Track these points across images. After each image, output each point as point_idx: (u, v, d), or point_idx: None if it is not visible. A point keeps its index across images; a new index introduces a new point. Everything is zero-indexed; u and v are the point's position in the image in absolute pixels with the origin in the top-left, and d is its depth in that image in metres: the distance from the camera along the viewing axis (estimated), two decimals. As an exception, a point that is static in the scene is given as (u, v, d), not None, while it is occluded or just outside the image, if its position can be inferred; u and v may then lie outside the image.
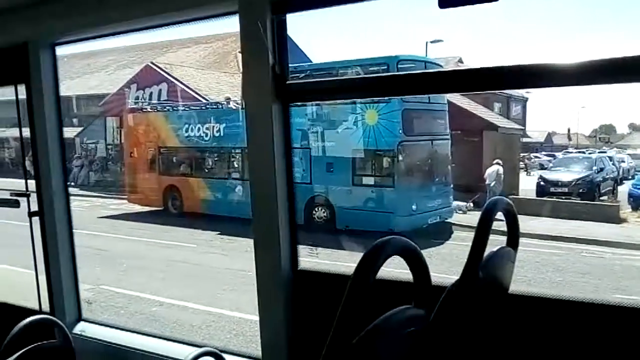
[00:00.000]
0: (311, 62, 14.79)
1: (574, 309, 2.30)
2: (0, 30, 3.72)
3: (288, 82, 2.79)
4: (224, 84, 18.80)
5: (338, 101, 12.96)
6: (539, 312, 2.36)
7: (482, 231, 1.67)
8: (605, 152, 17.56)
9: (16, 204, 4.20)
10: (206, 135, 15.50)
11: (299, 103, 3.67)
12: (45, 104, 3.71)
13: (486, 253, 1.69)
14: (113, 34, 3.57)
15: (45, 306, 4.09)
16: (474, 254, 1.63)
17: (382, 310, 1.40)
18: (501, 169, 13.85)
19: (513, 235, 1.94)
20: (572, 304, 2.31)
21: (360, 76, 3.34)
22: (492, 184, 13.55)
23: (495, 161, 13.94)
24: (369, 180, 13.03)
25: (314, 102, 11.71)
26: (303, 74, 10.47)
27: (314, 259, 9.85)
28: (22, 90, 3.91)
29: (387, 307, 1.44)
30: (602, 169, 15.46)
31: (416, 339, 1.44)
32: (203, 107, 16.72)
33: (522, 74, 2.36)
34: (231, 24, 2.92)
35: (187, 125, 15.87)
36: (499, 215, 1.80)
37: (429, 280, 1.53)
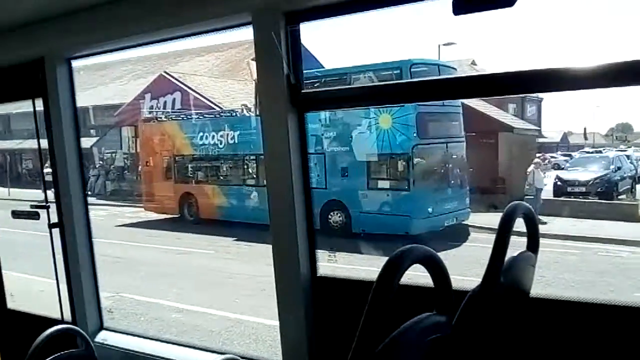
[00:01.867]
0: (323, 67, 14.81)
1: (596, 311, 2.29)
2: (17, 46, 3.78)
3: (303, 90, 2.81)
4: (237, 92, 18.88)
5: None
6: (561, 315, 2.35)
7: (503, 236, 1.67)
8: (624, 151, 17.35)
9: (36, 216, 4.26)
10: (220, 143, 15.56)
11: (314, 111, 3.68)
12: (63, 117, 3.77)
13: (507, 257, 1.70)
14: (128, 47, 3.61)
15: (67, 315, 4.14)
16: (495, 259, 1.63)
17: (403, 316, 1.41)
18: (540, 170, 13.75)
19: (533, 240, 1.95)
20: (594, 306, 2.30)
21: (375, 84, 3.35)
22: (532, 184, 13.41)
23: (535, 161, 13.86)
24: (384, 184, 12.99)
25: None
26: (315, 80, 10.49)
27: (332, 263, 9.86)
28: (39, 103, 3.97)
29: (407, 312, 1.45)
30: (619, 168, 15.26)
31: (439, 345, 1.45)
32: (217, 115, 16.82)
33: (536, 79, 2.36)
34: (243, 32, 2.95)
35: (201, 133, 15.96)
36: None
37: (450, 287, 1.54)
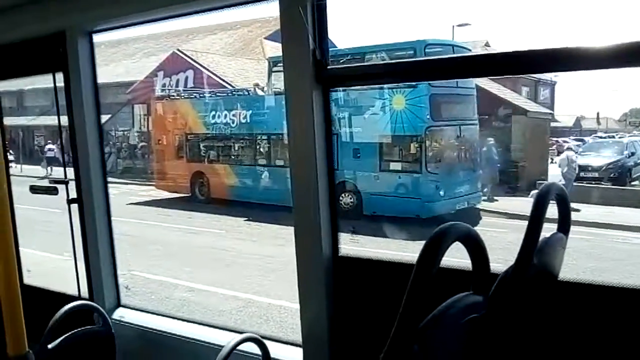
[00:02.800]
0: (336, 47, 14.69)
1: (623, 295, 2.27)
2: (38, 19, 3.76)
3: (329, 67, 2.77)
4: (249, 71, 18.78)
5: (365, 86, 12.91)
6: (588, 299, 2.33)
7: (537, 216, 1.64)
8: (638, 137, 17.18)
9: (55, 191, 4.26)
10: (233, 122, 15.51)
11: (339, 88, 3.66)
12: (84, 91, 3.75)
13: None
14: (150, 21, 3.57)
15: (84, 292, 4.16)
16: (529, 240, 1.61)
17: (439, 298, 1.39)
18: (574, 155, 13.62)
19: (565, 221, 1.92)
20: (621, 290, 2.28)
21: (401, 60, 3.31)
22: (564, 170, 13.29)
23: (566, 147, 13.74)
24: (396, 166, 12.92)
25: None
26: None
27: (353, 245, 9.84)
28: (59, 78, 3.95)
29: (442, 294, 1.43)
30: (633, 154, 15.12)
31: (475, 325, 1.43)
32: (229, 94, 16.74)
33: (553, 57, 2.35)
34: (256, 10, 2.90)
35: (213, 112, 15.91)
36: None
37: (488, 266, 1.52)
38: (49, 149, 22.16)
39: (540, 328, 1.99)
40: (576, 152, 16.88)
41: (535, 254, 1.62)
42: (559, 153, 17.96)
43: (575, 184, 13.82)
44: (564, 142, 20.48)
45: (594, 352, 2.31)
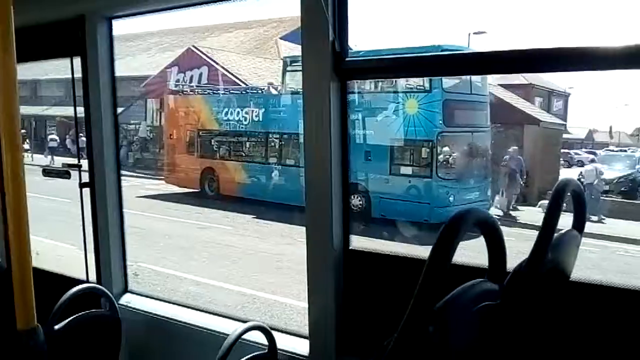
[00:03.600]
0: (352, 50, 14.64)
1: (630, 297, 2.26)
2: (58, 3, 3.77)
3: (348, 59, 2.77)
4: (264, 70, 18.84)
5: (379, 89, 12.89)
6: (599, 301, 2.32)
7: (553, 211, 1.63)
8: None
9: (67, 175, 4.27)
10: (245, 120, 15.55)
11: (356, 81, 3.66)
12: (101, 77, 3.76)
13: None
14: (169, 8, 3.58)
15: (92, 277, 4.16)
16: (545, 233, 1.60)
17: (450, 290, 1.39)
18: (601, 167, 13.53)
19: (580, 219, 1.90)
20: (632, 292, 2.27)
21: (417, 55, 3.31)
22: (594, 182, 13.16)
23: (590, 159, 13.63)
24: (407, 170, 12.91)
25: (358, 87, 11.66)
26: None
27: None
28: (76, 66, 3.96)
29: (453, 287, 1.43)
30: (644, 168, 15.07)
31: (490, 313, 1.42)
32: (243, 92, 16.80)
33: (565, 56, 2.35)
34: (272, 9, 2.90)
35: (226, 109, 15.97)
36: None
37: (505, 255, 1.51)
38: (52, 139, 22.34)
39: (550, 326, 1.97)
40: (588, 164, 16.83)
41: (550, 249, 1.61)
42: (569, 165, 17.89)
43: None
44: (576, 154, 20.42)
45: (601, 354, 2.30)
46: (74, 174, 4.15)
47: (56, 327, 3.21)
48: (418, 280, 1.24)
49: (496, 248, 1.50)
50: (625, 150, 17.94)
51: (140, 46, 22.49)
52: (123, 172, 4.24)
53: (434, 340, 1.25)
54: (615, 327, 2.28)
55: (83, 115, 3.94)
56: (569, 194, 1.78)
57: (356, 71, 2.90)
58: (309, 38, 2.84)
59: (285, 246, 11.34)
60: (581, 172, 14.90)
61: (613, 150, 18.81)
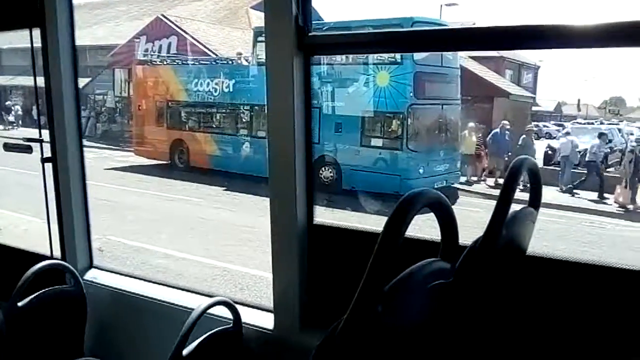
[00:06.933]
0: (322, 20, 14.57)
1: (590, 271, 2.31)
2: None
3: (311, 34, 2.74)
4: (234, 40, 18.55)
5: (350, 60, 12.83)
6: (555, 274, 2.37)
7: (509, 189, 1.65)
8: (616, 124, 17.40)
9: (29, 150, 4.20)
10: (215, 91, 15.38)
11: (321, 56, 3.64)
12: (61, 49, 3.66)
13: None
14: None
15: (57, 253, 4.12)
16: (499, 211, 1.62)
17: (405, 267, 1.40)
18: (577, 140, 13.66)
19: (536, 196, 1.94)
20: (588, 267, 2.32)
21: (383, 31, 3.27)
22: (568, 155, 13.30)
23: (565, 131, 13.71)
24: (378, 142, 12.93)
25: (328, 59, 11.57)
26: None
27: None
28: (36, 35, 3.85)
29: (409, 263, 1.44)
30: (610, 141, 15.32)
31: (442, 292, 1.45)
32: (213, 62, 16.56)
33: (539, 34, 2.34)
34: None
35: (196, 80, 15.74)
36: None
37: (457, 234, 1.53)
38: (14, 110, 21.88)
39: (507, 301, 2.01)
40: (555, 137, 17.08)
41: (505, 226, 1.64)
42: (538, 137, 18.10)
43: (552, 167, 13.98)
44: (544, 126, 20.68)
45: (560, 328, 2.35)
46: (37, 148, 4.08)
47: (19, 304, 3.19)
48: None
49: (448, 227, 1.52)
50: (593, 123, 18.22)
51: (107, 14, 21.93)
52: (91, 143, 4.18)
53: (383, 321, 1.26)
54: (575, 301, 2.33)
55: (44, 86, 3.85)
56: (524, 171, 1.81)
57: (320, 46, 2.88)
58: (272, 12, 2.81)
59: (257, 218, 11.30)
60: (549, 145, 15.15)
61: (580, 123, 19.09)
